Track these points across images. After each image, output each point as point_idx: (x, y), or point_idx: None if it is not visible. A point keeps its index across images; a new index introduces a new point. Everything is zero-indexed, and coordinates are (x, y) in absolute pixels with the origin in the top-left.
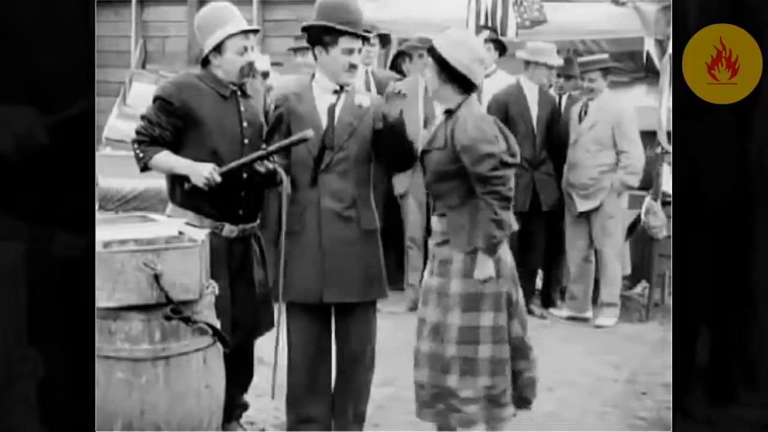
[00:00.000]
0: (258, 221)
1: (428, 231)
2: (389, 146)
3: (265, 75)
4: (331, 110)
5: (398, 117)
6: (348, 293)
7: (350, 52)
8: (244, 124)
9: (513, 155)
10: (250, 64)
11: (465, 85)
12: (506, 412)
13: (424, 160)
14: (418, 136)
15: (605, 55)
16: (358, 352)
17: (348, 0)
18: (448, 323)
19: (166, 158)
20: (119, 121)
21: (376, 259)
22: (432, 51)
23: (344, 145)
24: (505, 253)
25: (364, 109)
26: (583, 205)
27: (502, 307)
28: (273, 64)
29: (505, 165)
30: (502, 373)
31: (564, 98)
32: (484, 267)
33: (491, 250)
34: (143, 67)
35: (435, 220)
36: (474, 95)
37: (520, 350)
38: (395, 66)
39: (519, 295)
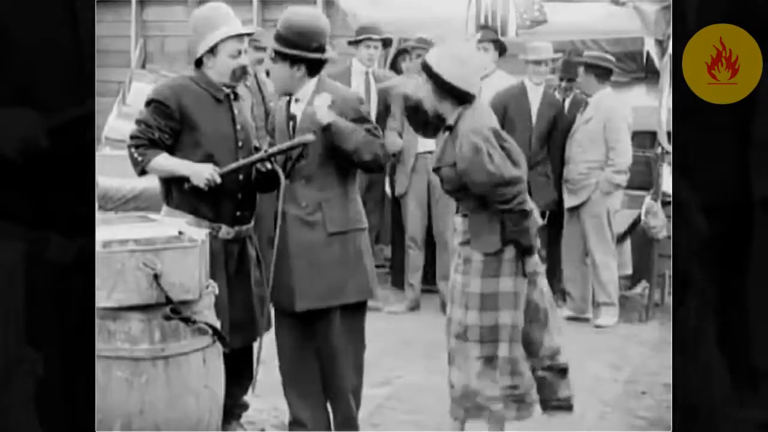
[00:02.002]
0: (252, 223)
1: (429, 231)
2: (337, 151)
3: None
4: (292, 119)
5: (326, 123)
6: (317, 299)
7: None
8: (238, 127)
9: (515, 164)
10: (243, 68)
11: (461, 97)
12: (535, 411)
13: (438, 174)
14: (417, 136)
15: (594, 53)
16: (336, 355)
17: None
18: (469, 323)
19: (165, 161)
20: (119, 120)
21: (350, 261)
22: (426, 68)
23: (304, 152)
24: (509, 253)
25: None
26: (570, 201)
27: (520, 306)
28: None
29: (506, 183)
30: (522, 372)
31: (568, 101)
32: (529, 264)
33: (528, 252)
34: (143, 66)
35: (458, 220)
36: (474, 105)
37: (528, 348)
38: (395, 65)
39: (534, 296)
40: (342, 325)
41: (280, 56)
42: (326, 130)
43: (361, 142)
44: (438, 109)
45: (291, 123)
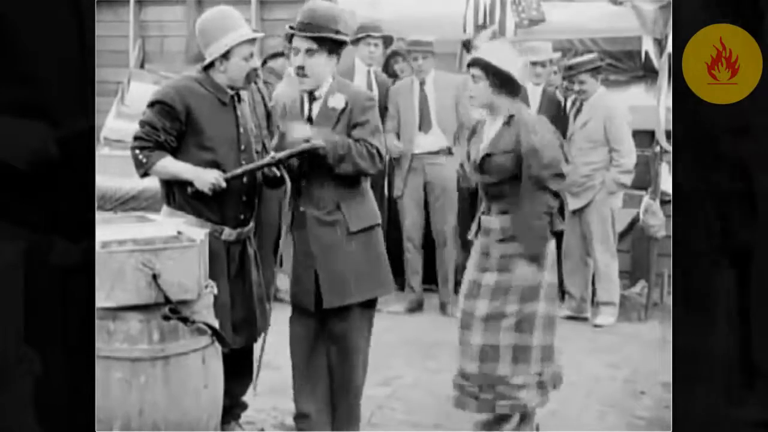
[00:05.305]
0: (252, 224)
1: (427, 232)
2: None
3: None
4: (308, 120)
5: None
6: (340, 298)
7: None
8: (241, 130)
9: (567, 161)
10: (255, 70)
11: (516, 89)
12: (549, 397)
13: (484, 164)
14: (413, 138)
15: (593, 55)
16: (351, 351)
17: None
18: (507, 313)
19: (169, 164)
20: (118, 121)
21: (370, 258)
22: (481, 63)
23: (320, 154)
24: (552, 245)
25: (338, 111)
26: (573, 204)
27: (554, 296)
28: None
29: (560, 176)
30: (550, 359)
31: (569, 101)
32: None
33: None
34: (141, 66)
35: (493, 219)
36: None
37: None
38: (387, 68)
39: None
40: (359, 321)
41: (324, 47)
42: (311, 151)
43: (351, 160)
44: (493, 103)
45: (308, 122)
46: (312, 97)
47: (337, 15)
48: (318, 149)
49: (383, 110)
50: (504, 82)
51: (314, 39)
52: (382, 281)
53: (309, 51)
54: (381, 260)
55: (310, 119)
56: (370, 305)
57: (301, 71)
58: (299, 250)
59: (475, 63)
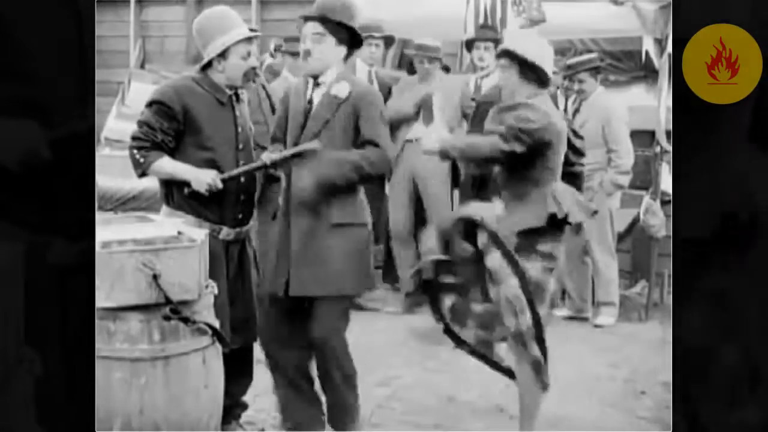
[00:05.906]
0: (252, 223)
1: (416, 227)
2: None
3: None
4: (308, 105)
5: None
6: (312, 287)
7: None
8: (239, 129)
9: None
10: (254, 69)
11: (541, 79)
12: None
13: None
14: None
15: (593, 55)
16: (329, 345)
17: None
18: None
19: (166, 164)
20: (118, 121)
21: (349, 255)
22: (508, 53)
23: (315, 138)
24: None
25: (340, 100)
26: None
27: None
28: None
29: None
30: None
31: (569, 100)
32: None
33: None
34: (142, 66)
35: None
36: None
37: None
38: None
39: None
40: (338, 315)
41: (332, 34)
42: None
43: (348, 176)
44: (518, 94)
45: (308, 107)
46: (316, 83)
47: (348, 7)
48: (315, 150)
49: None
50: (531, 71)
51: (322, 24)
52: (359, 280)
53: (316, 35)
54: (361, 259)
55: (310, 103)
56: (343, 300)
57: (307, 55)
58: (277, 235)
59: (502, 54)
